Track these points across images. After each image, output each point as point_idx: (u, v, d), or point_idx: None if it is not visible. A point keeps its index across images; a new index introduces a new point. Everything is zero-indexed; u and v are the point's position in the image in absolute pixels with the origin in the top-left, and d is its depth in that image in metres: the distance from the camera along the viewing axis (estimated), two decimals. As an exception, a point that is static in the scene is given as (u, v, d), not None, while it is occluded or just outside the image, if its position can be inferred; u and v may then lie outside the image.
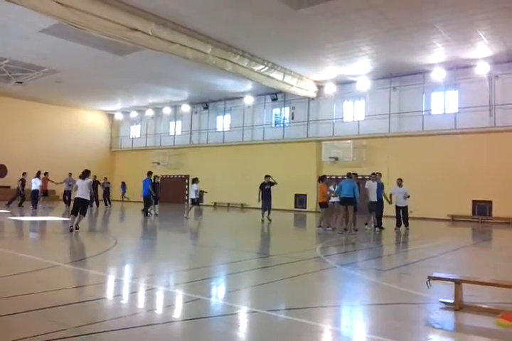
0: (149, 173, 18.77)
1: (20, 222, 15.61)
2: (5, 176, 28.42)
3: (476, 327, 4.66)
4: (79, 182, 12.15)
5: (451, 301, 5.08)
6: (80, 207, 11.90)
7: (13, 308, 4.65)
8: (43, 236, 12.47)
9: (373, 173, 15.22)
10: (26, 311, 4.58)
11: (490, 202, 19.69)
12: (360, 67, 21.24)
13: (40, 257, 7.76)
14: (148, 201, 18.46)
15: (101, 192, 25.02)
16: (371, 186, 14.70)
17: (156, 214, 18.47)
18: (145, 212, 18.46)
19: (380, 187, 14.90)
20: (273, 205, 17.52)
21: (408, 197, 15.01)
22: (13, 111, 29.83)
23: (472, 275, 6.13)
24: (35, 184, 21.85)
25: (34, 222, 15.43)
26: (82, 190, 11.93)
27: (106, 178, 26.47)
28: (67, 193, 22.74)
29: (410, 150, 21.70)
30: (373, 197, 14.56)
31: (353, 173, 14.39)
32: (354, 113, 24.49)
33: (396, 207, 15.14)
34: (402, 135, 22.15)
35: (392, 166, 20.70)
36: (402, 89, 22.53)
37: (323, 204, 14.65)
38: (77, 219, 11.87)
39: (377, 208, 14.72)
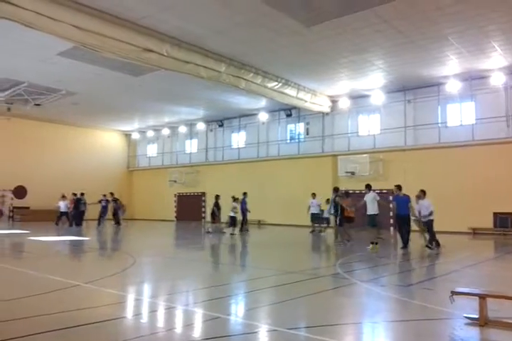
0: (244, 193, 20.49)
1: (40, 242, 15.74)
2: (24, 197, 28.86)
3: (503, 344, 4.52)
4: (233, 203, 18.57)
5: (476, 316, 4.94)
6: (231, 221, 18.28)
7: (32, 329, 4.64)
8: (62, 255, 12.54)
9: (396, 185, 14.02)
10: (46, 331, 4.57)
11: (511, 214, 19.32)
12: (374, 80, 21.27)
13: (60, 277, 7.77)
14: (243, 219, 20.30)
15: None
16: (368, 198, 13.71)
17: (209, 232, 19.31)
18: (243, 228, 20.04)
19: (406, 201, 13.55)
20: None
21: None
22: (31, 132, 30.40)
23: (497, 290, 5.98)
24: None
25: (53, 242, 15.55)
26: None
27: (83, 194, 23.64)
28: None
29: (427, 163, 21.48)
30: (370, 210, 13.55)
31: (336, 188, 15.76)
32: (369, 127, 24.43)
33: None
34: (419, 148, 22.01)
35: (410, 179, 20.37)
36: (417, 101, 22.44)
37: (350, 219, 14.83)
38: (232, 229, 18.05)
39: (404, 224, 13.64)
